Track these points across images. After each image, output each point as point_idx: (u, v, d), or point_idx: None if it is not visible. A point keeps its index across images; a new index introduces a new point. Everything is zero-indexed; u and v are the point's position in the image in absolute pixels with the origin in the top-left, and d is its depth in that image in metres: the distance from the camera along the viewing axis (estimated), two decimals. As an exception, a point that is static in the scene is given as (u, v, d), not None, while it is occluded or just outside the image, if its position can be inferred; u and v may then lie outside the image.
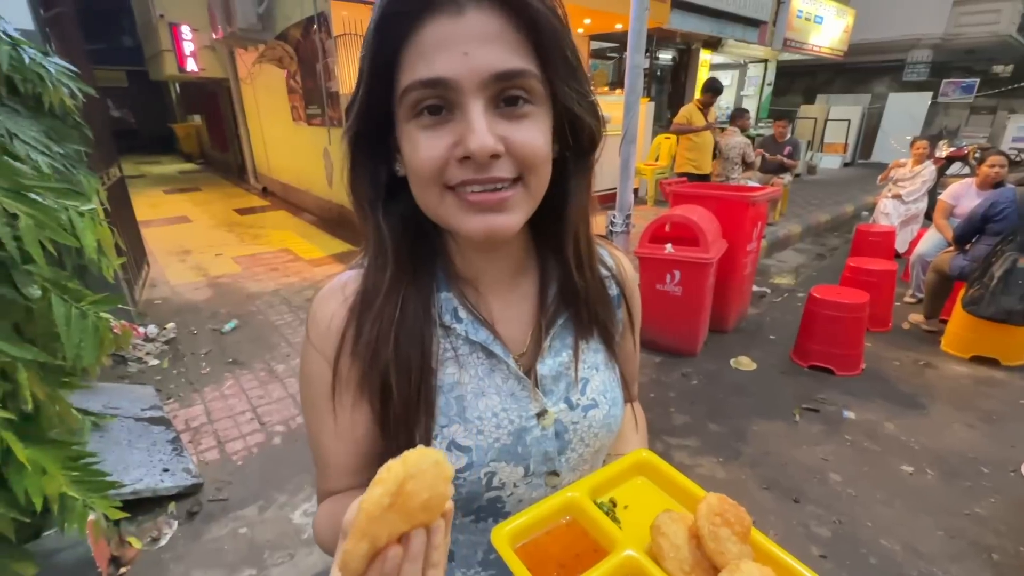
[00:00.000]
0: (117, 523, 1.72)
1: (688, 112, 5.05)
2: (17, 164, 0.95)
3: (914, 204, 5.04)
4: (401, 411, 0.48)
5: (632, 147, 2.83)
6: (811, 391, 2.81)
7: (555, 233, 0.53)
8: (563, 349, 0.55)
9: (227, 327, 3.42)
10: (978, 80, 11.60)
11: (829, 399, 2.74)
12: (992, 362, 3.07)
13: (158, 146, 14.41)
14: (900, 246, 4.96)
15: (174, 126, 13.82)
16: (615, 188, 2.96)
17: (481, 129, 0.40)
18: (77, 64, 1.57)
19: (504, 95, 0.42)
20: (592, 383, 0.56)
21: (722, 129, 5.49)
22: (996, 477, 2.17)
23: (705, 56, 8.88)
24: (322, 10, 4.99)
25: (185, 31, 7.59)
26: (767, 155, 6.10)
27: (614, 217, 3.01)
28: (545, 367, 0.54)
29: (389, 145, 0.49)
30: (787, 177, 6.11)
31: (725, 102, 10.50)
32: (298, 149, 6.75)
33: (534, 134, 0.43)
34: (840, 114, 11.99)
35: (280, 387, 2.77)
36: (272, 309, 3.78)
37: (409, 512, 0.32)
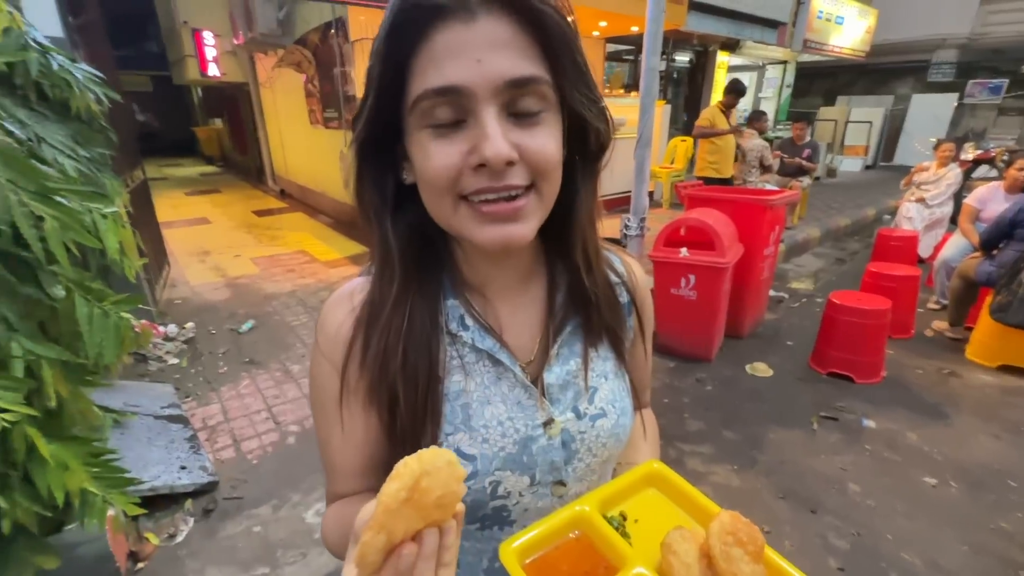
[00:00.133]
0: (135, 519, 1.76)
1: (711, 115, 4.91)
2: (44, 167, 0.98)
3: (939, 208, 4.91)
4: (408, 420, 0.48)
5: (647, 150, 2.80)
6: (830, 399, 2.76)
7: (563, 238, 0.53)
8: (571, 357, 0.54)
9: (244, 327, 3.47)
10: (1007, 80, 11.27)
11: (848, 407, 2.68)
12: (1020, 372, 2.98)
13: (180, 149, 14.75)
14: (924, 251, 4.84)
15: (196, 129, 14.13)
16: (630, 191, 2.94)
17: (496, 135, 0.40)
18: (103, 70, 1.61)
19: (517, 102, 0.41)
20: (601, 392, 0.55)
21: (740, 132, 5.42)
22: (1024, 491, 2.10)
23: (722, 58, 8.80)
24: (340, 15, 5.06)
25: (207, 36, 7.75)
26: (785, 158, 6.01)
27: (629, 220, 2.99)
28: (552, 375, 0.53)
29: (396, 153, 0.48)
30: (806, 180, 6.00)
31: (743, 104, 10.37)
32: (315, 152, 6.84)
33: (547, 140, 0.43)
34: (861, 116, 11.76)
35: (295, 387, 2.80)
36: (288, 310, 3.83)
37: (424, 508, 0.33)
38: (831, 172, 10.25)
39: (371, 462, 0.53)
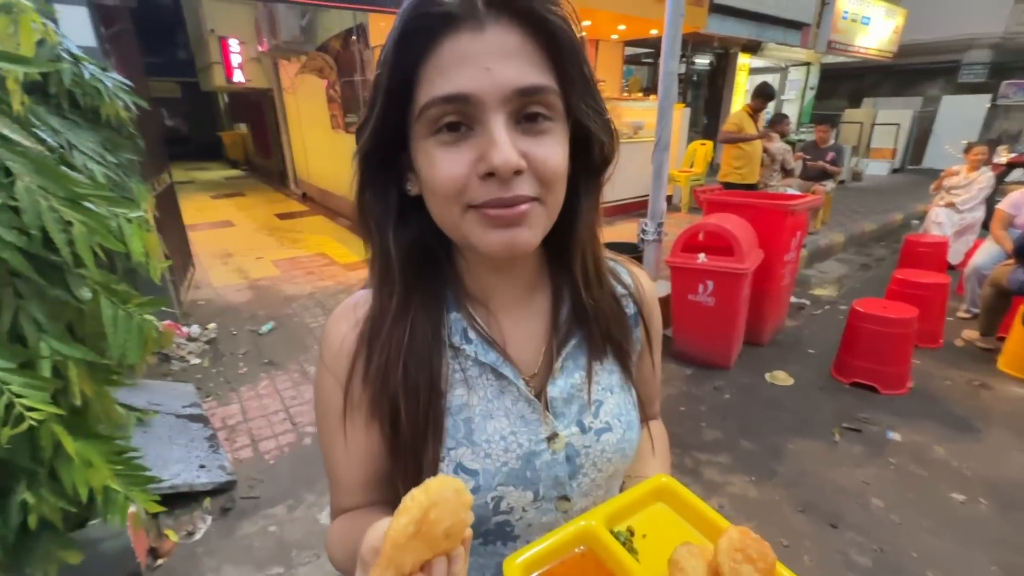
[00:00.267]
0: (156, 516, 1.80)
1: (739, 119, 4.71)
2: (74, 174, 1.02)
3: (970, 213, 4.75)
4: (409, 434, 0.48)
5: (665, 154, 2.78)
6: (852, 409, 2.68)
7: (565, 250, 0.52)
8: (576, 370, 0.54)
9: (264, 328, 3.54)
10: (1043, 81, 10.88)
11: (872, 419, 2.60)
12: (1057, 384, 2.86)
13: (207, 153, 15.16)
14: (954, 257, 4.68)
15: (222, 134, 14.52)
16: (647, 195, 2.92)
17: (504, 143, 0.40)
18: (133, 78, 1.67)
19: (524, 111, 0.41)
20: (606, 405, 0.54)
21: (768, 136, 5.29)
22: (1060, 510, 2.01)
23: (744, 60, 8.68)
24: (360, 22, 5.15)
25: (233, 44, 7.98)
26: (808, 161, 5.88)
27: (646, 225, 2.97)
28: (556, 388, 0.52)
29: (400, 164, 0.48)
30: (830, 184, 5.86)
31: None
32: (336, 156, 6.96)
33: (554, 150, 0.43)
34: (888, 118, 11.44)
35: (312, 389, 2.83)
36: (307, 312, 3.89)
37: (433, 539, 0.33)
38: (856, 176, 10.00)
39: (374, 476, 0.53)
